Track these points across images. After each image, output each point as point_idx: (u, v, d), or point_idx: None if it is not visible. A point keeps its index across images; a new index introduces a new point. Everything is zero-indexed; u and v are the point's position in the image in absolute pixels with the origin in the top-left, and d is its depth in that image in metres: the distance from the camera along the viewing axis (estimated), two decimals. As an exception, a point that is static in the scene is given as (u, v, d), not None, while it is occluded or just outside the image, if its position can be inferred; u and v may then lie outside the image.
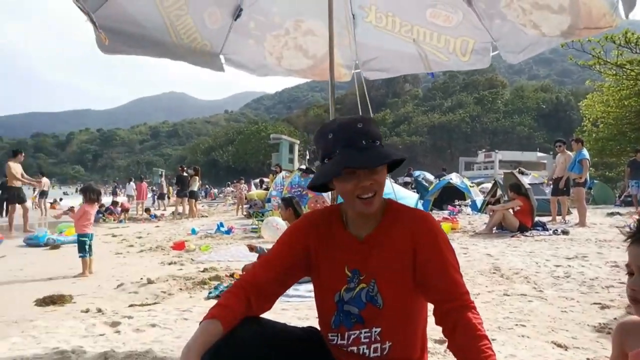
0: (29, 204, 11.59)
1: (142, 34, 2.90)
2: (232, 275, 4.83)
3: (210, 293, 4.06)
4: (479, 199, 13.69)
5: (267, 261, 1.51)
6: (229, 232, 9.66)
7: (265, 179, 19.75)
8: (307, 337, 1.49)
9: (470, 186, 14.51)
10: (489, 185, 16.27)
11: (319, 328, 1.55)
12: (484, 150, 52.60)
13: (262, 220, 9.56)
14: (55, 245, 7.85)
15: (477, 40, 3.35)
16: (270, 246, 5.50)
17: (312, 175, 10.70)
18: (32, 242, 8.09)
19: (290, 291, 2.82)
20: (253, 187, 21.60)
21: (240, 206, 16.73)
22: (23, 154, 10.84)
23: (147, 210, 17.19)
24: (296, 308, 3.46)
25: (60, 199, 26.17)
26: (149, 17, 2.90)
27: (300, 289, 3.87)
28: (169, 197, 27.64)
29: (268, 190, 15.04)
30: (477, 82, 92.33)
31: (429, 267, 1.38)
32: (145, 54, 3.01)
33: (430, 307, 1.44)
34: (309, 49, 3.85)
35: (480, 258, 5.58)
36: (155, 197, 23.70)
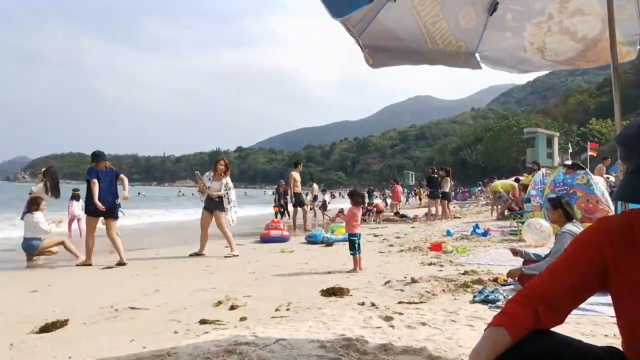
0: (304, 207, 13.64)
1: (402, 46, 3.09)
2: (495, 280, 4.66)
3: (475, 297, 4.00)
4: None
5: (555, 270, 1.40)
6: (485, 234, 9.33)
7: (521, 177, 18.36)
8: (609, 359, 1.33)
9: None
10: None
11: (620, 349, 1.36)
12: None
13: (522, 222, 8.92)
14: (329, 243, 9.00)
15: None
16: (534, 250, 5.11)
17: (579, 171, 9.44)
18: (311, 240, 9.45)
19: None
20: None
21: (494, 207, 15.97)
22: (302, 164, 12.87)
23: (396, 213, 18.01)
24: (577, 322, 3.11)
25: (328, 202, 29.82)
26: (407, 30, 3.07)
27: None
28: (420, 199, 28.35)
29: (518, 183, 14.12)
30: None
31: None
32: (406, 63, 3.20)
33: None
34: (578, 31, 3.42)
35: None
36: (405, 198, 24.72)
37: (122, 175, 7.39)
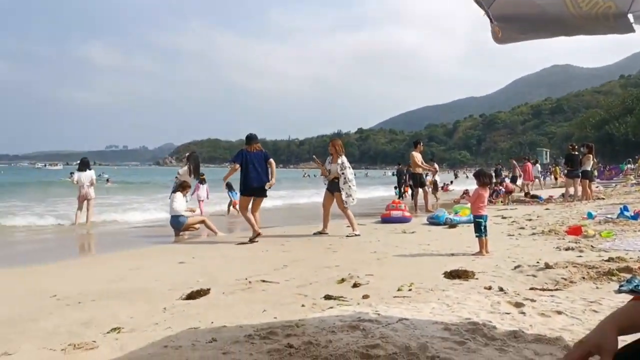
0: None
1: (537, 13, 2.81)
2: (647, 269, 4.12)
3: (621, 286, 3.59)
4: None
5: None
6: (636, 217, 8.25)
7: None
8: None
9: None
10: None
11: None
12: None
13: (685, 205, 7.72)
14: (452, 225, 8.70)
15: None
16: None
17: None
18: (434, 221, 9.22)
19: None
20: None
21: (648, 187, 14.02)
22: (422, 144, 12.56)
23: (527, 194, 16.64)
24: None
25: (451, 182, 28.85)
26: (544, -7, 2.79)
27: None
28: (556, 178, 26.14)
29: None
30: None
31: None
32: (538, 36, 2.92)
33: None
34: None
35: None
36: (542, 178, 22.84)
37: (271, 160, 7.80)
